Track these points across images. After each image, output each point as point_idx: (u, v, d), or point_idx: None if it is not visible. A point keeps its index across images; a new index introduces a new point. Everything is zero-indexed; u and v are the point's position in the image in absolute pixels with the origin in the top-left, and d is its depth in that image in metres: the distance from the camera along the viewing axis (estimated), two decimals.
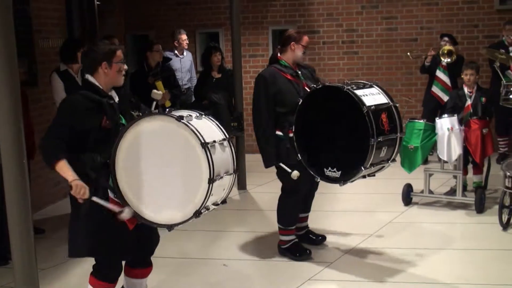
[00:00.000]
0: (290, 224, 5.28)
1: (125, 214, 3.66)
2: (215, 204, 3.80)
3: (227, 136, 3.82)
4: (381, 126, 4.60)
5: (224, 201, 3.91)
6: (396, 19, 9.74)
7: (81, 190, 3.56)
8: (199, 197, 3.59)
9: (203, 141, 3.52)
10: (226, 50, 9.49)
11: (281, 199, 5.29)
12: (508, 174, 4.20)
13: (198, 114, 3.77)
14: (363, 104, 4.51)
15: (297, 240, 5.35)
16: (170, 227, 3.70)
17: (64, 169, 3.59)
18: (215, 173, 3.57)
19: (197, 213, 3.62)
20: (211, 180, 3.55)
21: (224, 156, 3.74)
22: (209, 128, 3.75)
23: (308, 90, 4.93)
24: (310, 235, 5.61)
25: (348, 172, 4.72)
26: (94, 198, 3.62)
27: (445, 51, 8.18)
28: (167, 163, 3.64)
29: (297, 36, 5.15)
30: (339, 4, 9.86)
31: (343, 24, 9.90)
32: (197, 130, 3.55)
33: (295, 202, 5.23)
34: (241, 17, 8.99)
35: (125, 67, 3.85)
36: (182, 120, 3.54)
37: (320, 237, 5.62)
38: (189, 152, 3.57)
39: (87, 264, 4.04)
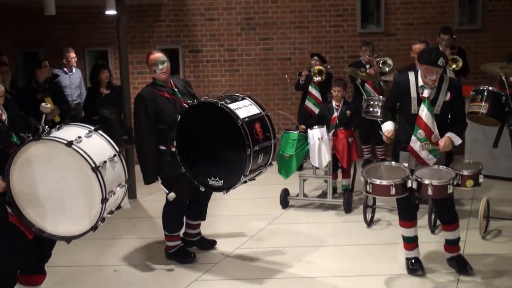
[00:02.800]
0: (174, 230, 5.23)
1: None
2: (110, 212, 3.73)
3: (118, 150, 3.74)
4: (255, 136, 4.64)
5: (118, 207, 3.85)
6: (272, 40, 9.96)
7: None
8: (94, 214, 3.53)
9: (93, 165, 3.43)
10: (115, 67, 9.28)
11: (165, 207, 5.23)
12: (368, 180, 4.39)
13: (88, 132, 3.63)
14: (237, 117, 4.54)
15: (183, 244, 5.31)
16: (68, 239, 3.62)
17: None
18: (107, 192, 3.50)
19: (94, 228, 3.57)
20: (104, 200, 3.48)
21: (115, 172, 3.67)
22: (100, 146, 3.65)
23: (186, 106, 4.91)
24: (203, 240, 5.58)
25: (230, 180, 4.74)
26: None
27: (316, 71, 8.47)
28: (61, 184, 3.53)
29: (147, 60, 5.13)
30: (221, 26, 9.94)
31: (224, 44, 9.98)
32: (87, 154, 3.45)
33: (178, 210, 5.18)
34: (128, 36, 8.84)
35: (2, 88, 3.62)
36: (72, 146, 3.42)
37: (211, 242, 5.60)
38: (81, 176, 3.49)
39: None
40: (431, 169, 4.45)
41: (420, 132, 4.50)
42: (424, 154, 4.52)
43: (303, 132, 6.83)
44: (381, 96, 6.85)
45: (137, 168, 7.68)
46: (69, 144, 3.42)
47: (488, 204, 5.73)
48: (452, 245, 4.81)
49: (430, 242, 5.43)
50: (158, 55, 5.09)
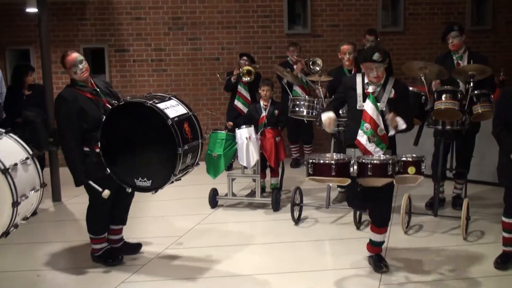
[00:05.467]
0: (99, 232, 5.15)
1: None
2: (25, 218, 3.61)
3: (31, 153, 3.62)
4: (185, 135, 4.64)
5: (34, 213, 3.73)
6: (200, 40, 9.96)
7: None
8: (5, 219, 3.39)
9: (3, 167, 3.31)
10: (37, 67, 9.01)
11: (88, 210, 5.14)
12: (310, 160, 4.44)
13: None
14: (167, 117, 4.52)
15: (109, 247, 5.24)
16: None
17: None
18: (19, 195, 3.38)
19: (5, 234, 3.43)
20: (15, 204, 3.36)
21: (28, 175, 3.55)
22: (11, 148, 3.52)
23: (110, 106, 4.84)
24: (127, 246, 5.48)
25: (158, 180, 4.71)
26: None
27: (245, 71, 8.54)
28: None
29: (63, 62, 4.97)
30: (148, 25, 9.85)
31: (151, 44, 9.90)
32: None
33: (102, 212, 5.10)
34: (51, 35, 8.64)
35: None
36: None
37: (136, 246, 5.53)
38: None
39: None
40: (374, 156, 4.54)
41: (367, 126, 4.62)
42: (371, 147, 4.63)
43: (230, 128, 6.88)
44: (307, 96, 6.98)
45: (62, 170, 7.60)
46: None
47: (409, 200, 5.97)
48: (375, 246, 4.95)
49: (355, 238, 5.62)
50: (75, 55, 4.96)
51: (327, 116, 4.83)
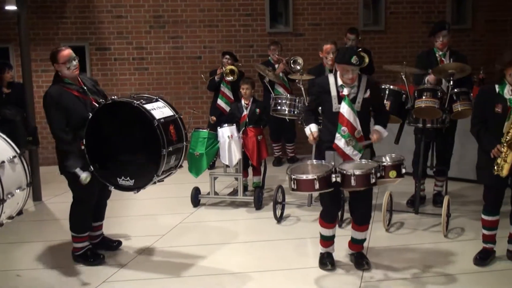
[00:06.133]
0: (82, 231, 5.12)
1: None
2: (10, 217, 3.60)
3: (18, 151, 3.62)
4: (170, 137, 4.65)
5: (20, 212, 3.72)
6: (182, 39, 9.93)
7: None
8: None
9: None
10: (17, 65, 8.94)
11: (72, 207, 5.11)
12: (293, 177, 4.43)
13: None
14: (154, 118, 4.53)
15: (91, 246, 5.22)
16: None
17: None
18: (5, 193, 3.38)
19: None
20: (1, 201, 3.35)
21: (15, 173, 3.55)
22: None
23: (97, 105, 4.83)
24: (106, 242, 5.49)
25: (141, 180, 4.71)
26: None
27: (228, 71, 8.53)
28: None
29: (56, 57, 4.90)
30: (129, 24, 9.80)
31: (133, 42, 9.85)
32: None
33: (85, 210, 5.08)
34: (31, 33, 8.56)
35: None
36: None
37: (116, 243, 5.52)
38: None
39: None
40: (354, 163, 4.55)
41: (344, 129, 4.61)
42: (349, 150, 4.63)
43: (213, 124, 6.86)
44: (288, 95, 7.00)
45: (43, 169, 7.55)
46: None
47: (391, 198, 6.02)
48: (357, 244, 4.99)
49: (336, 236, 5.63)
50: (69, 51, 4.94)
51: (311, 131, 4.79)
